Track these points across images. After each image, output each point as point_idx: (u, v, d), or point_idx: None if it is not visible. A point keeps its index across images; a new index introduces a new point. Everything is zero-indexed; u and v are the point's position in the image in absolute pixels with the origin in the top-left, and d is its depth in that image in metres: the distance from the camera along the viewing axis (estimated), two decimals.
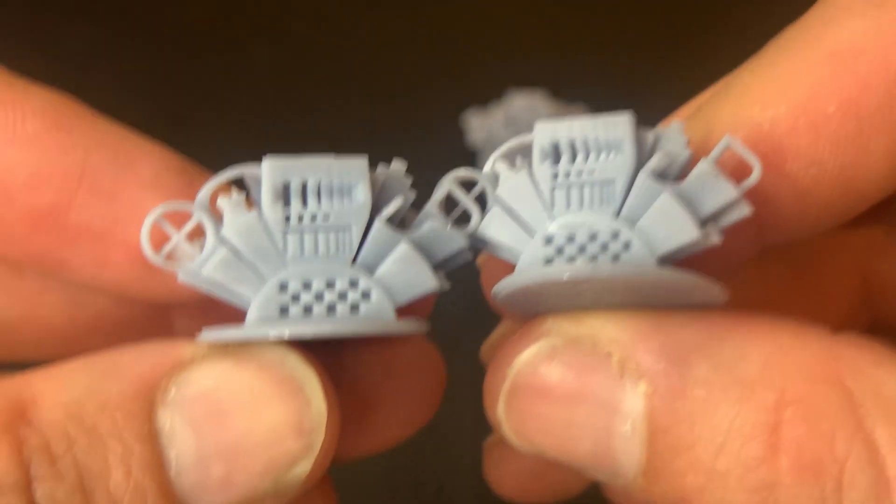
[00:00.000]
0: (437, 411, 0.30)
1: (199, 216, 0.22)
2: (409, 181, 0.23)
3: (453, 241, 0.23)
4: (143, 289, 0.25)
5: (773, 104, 0.23)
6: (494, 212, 0.23)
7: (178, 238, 0.22)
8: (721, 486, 0.21)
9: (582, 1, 0.61)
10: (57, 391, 0.22)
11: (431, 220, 0.23)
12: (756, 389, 0.21)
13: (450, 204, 0.24)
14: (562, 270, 0.21)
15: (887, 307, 0.33)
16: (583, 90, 0.58)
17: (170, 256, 0.22)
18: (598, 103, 0.57)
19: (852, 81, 0.23)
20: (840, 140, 0.23)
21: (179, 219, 0.23)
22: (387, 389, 0.29)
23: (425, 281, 0.22)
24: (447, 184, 0.23)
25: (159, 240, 0.22)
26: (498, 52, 0.58)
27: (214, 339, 0.22)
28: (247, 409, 0.22)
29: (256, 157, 0.23)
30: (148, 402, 0.22)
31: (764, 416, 0.21)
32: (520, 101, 0.57)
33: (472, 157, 0.56)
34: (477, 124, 0.57)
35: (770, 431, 0.21)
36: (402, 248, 0.22)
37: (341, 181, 0.22)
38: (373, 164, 0.23)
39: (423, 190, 0.24)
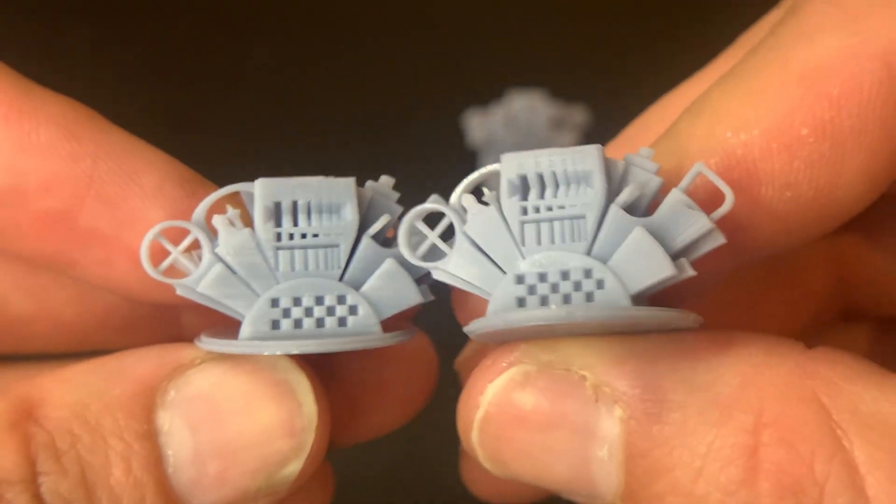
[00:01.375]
0: (430, 403, 0.31)
1: (196, 233, 0.23)
2: (395, 196, 0.24)
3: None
4: (146, 291, 0.26)
5: (746, 127, 0.23)
6: (463, 249, 0.23)
7: (175, 254, 0.23)
8: None
9: (582, 1, 0.60)
10: (63, 392, 0.23)
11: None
12: (733, 412, 0.21)
13: (436, 216, 0.24)
14: (535, 316, 0.21)
15: (864, 297, 0.33)
16: (583, 90, 0.58)
17: (168, 271, 0.23)
18: (599, 103, 0.58)
19: (825, 103, 0.23)
20: (815, 162, 0.23)
21: (179, 233, 0.24)
22: (381, 377, 0.30)
23: (409, 295, 0.23)
24: (411, 218, 0.23)
25: (160, 253, 0.24)
26: (498, 52, 0.57)
27: (211, 350, 0.24)
28: (241, 411, 0.24)
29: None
30: (148, 402, 0.23)
31: (742, 439, 0.21)
32: (520, 101, 0.57)
33: (472, 157, 0.56)
34: (477, 124, 0.57)
35: (749, 454, 0.21)
36: (388, 265, 0.23)
37: (330, 201, 0.23)
38: (362, 179, 0.24)
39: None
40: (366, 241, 0.23)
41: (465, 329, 0.23)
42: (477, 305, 0.25)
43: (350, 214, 0.23)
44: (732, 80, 0.24)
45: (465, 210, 0.23)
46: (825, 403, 0.21)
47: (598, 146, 0.22)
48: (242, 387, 0.24)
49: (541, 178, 0.22)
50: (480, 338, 0.24)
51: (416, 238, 0.24)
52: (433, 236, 0.23)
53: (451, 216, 0.23)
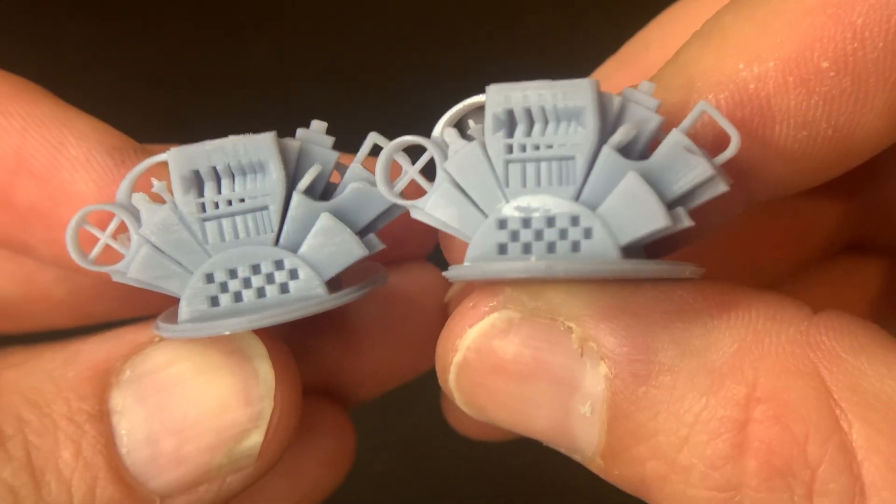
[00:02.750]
0: None
1: (120, 214, 0.22)
2: (329, 141, 0.22)
3: (380, 200, 0.22)
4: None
5: (760, 59, 0.21)
6: (443, 189, 0.21)
7: (104, 239, 0.22)
8: (683, 480, 0.20)
9: (582, 1, 0.57)
10: (18, 379, 0.23)
11: (354, 183, 0.22)
12: (725, 381, 0.20)
13: (429, 168, 0.22)
14: (513, 269, 0.20)
15: (873, 227, 0.31)
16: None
17: (103, 256, 0.22)
18: None
19: (849, 33, 0.20)
20: (834, 98, 0.21)
21: (110, 215, 0.22)
22: (387, 319, 0.29)
23: (352, 249, 0.22)
24: (390, 151, 0.21)
25: (92, 239, 0.22)
26: (497, 52, 0.55)
27: (165, 335, 0.22)
28: (194, 383, 0.23)
29: None
30: (101, 384, 0.23)
31: (732, 412, 0.20)
32: None
33: None
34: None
35: (738, 429, 0.20)
36: (323, 220, 0.22)
37: (251, 160, 0.21)
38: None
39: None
40: (297, 197, 0.22)
41: (445, 274, 0.22)
42: (462, 246, 0.24)
43: (275, 172, 0.21)
44: (746, 5, 0.22)
45: (447, 145, 0.21)
46: (825, 378, 0.20)
47: (593, 80, 0.20)
48: (195, 360, 0.23)
49: (529, 112, 0.20)
50: (460, 281, 0.22)
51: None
52: (413, 171, 0.21)
53: (431, 151, 0.21)
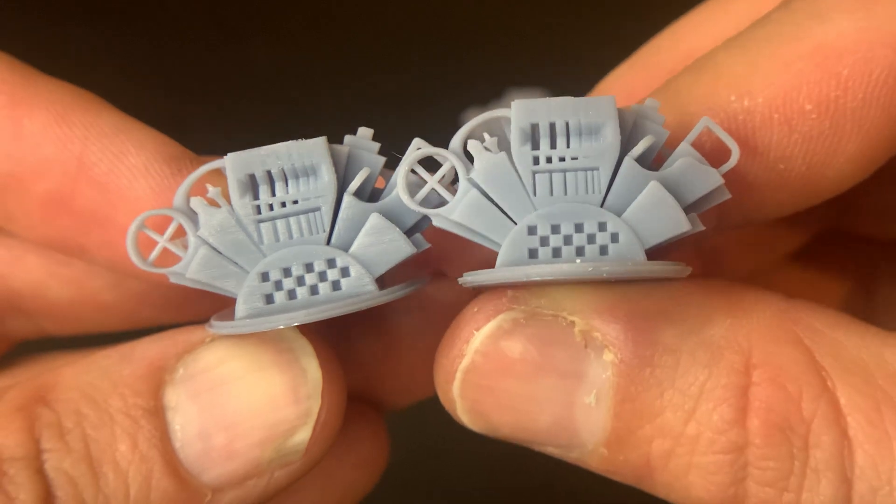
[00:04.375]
0: None
1: (178, 218, 0.23)
2: (375, 147, 0.23)
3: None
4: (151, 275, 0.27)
5: (750, 94, 0.23)
6: (471, 197, 0.22)
7: (163, 243, 0.23)
8: (689, 450, 0.21)
9: (582, 1, 0.59)
10: (75, 375, 0.24)
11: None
12: (724, 353, 0.21)
13: (432, 161, 0.23)
14: (562, 271, 0.21)
15: (847, 217, 0.33)
16: (583, 90, 0.56)
17: (161, 258, 0.23)
18: None
19: (833, 81, 0.22)
20: (813, 138, 0.23)
21: (168, 219, 0.23)
22: (424, 328, 0.30)
23: (400, 247, 0.23)
24: (409, 162, 0.22)
25: (150, 242, 0.23)
26: (498, 52, 0.56)
27: (216, 333, 0.23)
28: (245, 381, 0.24)
29: None
30: (156, 381, 0.24)
31: (734, 379, 0.21)
32: None
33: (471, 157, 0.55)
34: None
35: (740, 394, 0.21)
36: (373, 220, 0.23)
37: (303, 164, 0.22)
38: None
39: None
40: (347, 199, 0.23)
41: (463, 279, 0.23)
42: (454, 249, 0.25)
43: (327, 175, 0.23)
44: (740, 45, 0.24)
45: (467, 156, 0.22)
46: (809, 347, 0.22)
47: (611, 97, 0.22)
48: (246, 359, 0.24)
49: (552, 127, 0.22)
50: (471, 285, 0.23)
51: (413, 185, 0.23)
52: (433, 182, 0.22)
53: (454, 162, 0.22)
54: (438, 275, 0.30)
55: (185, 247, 0.23)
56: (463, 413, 0.24)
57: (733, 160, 0.22)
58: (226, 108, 0.53)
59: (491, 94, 0.57)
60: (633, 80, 0.32)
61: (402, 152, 0.23)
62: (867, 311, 0.33)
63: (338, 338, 0.29)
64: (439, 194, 0.22)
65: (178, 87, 0.53)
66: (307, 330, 0.24)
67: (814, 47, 0.23)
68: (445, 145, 0.23)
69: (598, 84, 0.33)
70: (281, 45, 0.57)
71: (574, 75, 0.57)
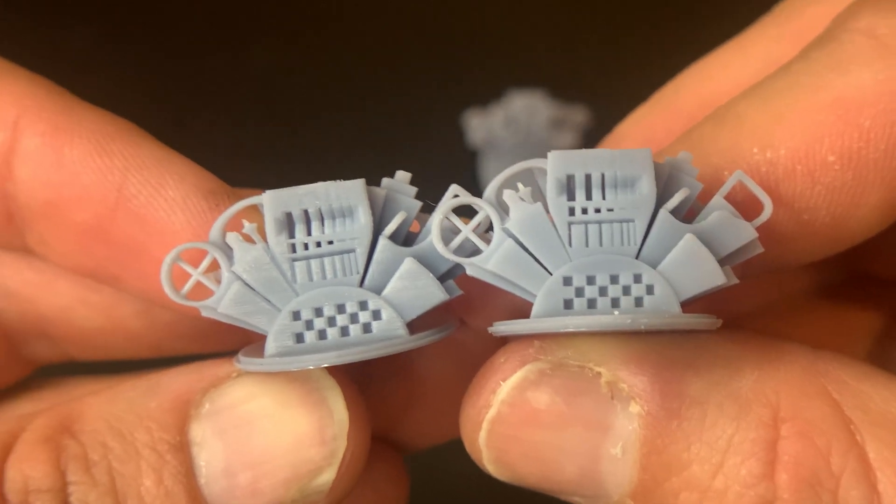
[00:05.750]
0: None
1: (213, 252, 0.23)
2: (412, 191, 0.23)
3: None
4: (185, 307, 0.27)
5: (773, 146, 0.23)
6: (506, 247, 0.22)
7: (196, 276, 0.23)
8: None
9: (582, 2, 0.59)
10: (101, 406, 0.24)
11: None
12: (752, 406, 0.21)
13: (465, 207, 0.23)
14: (600, 322, 0.21)
15: (870, 258, 0.33)
16: (583, 90, 0.56)
17: (194, 292, 0.23)
18: (598, 103, 0.57)
19: (856, 133, 0.22)
20: (836, 189, 0.23)
21: (203, 253, 0.24)
22: (448, 372, 0.30)
23: (433, 293, 0.23)
24: (443, 211, 0.23)
25: (187, 274, 0.23)
26: (498, 52, 0.57)
27: (244, 369, 0.23)
28: (271, 421, 0.24)
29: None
30: (182, 415, 0.24)
31: (762, 433, 0.21)
32: (520, 101, 0.56)
33: (472, 157, 0.55)
34: (477, 124, 0.56)
35: (769, 447, 0.21)
36: (408, 264, 0.23)
37: (341, 205, 0.23)
38: (376, 178, 0.24)
39: (424, 189, 0.24)
40: (382, 242, 0.23)
41: (495, 328, 0.23)
42: (476, 298, 0.25)
43: (363, 217, 0.23)
44: (761, 97, 0.24)
45: (502, 208, 0.23)
46: (837, 400, 0.21)
47: (648, 150, 0.22)
48: (273, 397, 0.24)
49: (588, 178, 0.22)
50: (501, 334, 0.23)
51: (447, 232, 0.23)
52: (467, 231, 0.23)
53: (488, 211, 0.22)
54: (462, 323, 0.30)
55: (219, 281, 0.23)
56: (489, 463, 0.24)
57: (766, 214, 0.22)
58: (226, 108, 0.53)
59: (491, 94, 0.58)
60: (653, 123, 0.32)
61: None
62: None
63: (362, 378, 0.29)
64: (473, 242, 0.22)
65: (178, 87, 0.53)
66: (334, 370, 0.24)
67: (834, 99, 0.23)
68: (448, 142, 0.23)
69: (618, 126, 0.33)
70: (281, 47, 0.57)
71: (574, 75, 0.58)
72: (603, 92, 0.55)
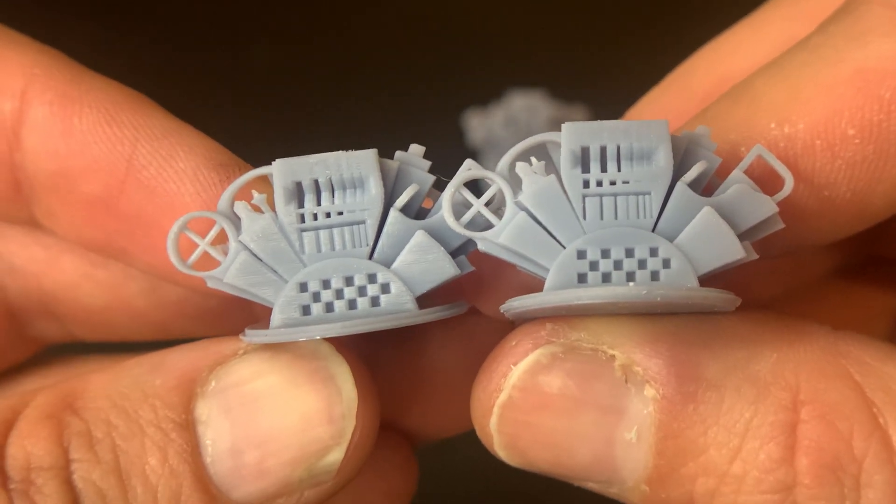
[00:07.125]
0: None
1: (221, 222, 0.23)
2: (426, 165, 0.23)
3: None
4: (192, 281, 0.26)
5: (791, 121, 0.22)
6: (519, 220, 0.21)
7: (203, 246, 0.23)
8: (735, 490, 0.21)
9: (582, 1, 0.59)
10: (105, 383, 0.23)
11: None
12: (771, 389, 0.21)
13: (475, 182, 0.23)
14: (615, 293, 0.20)
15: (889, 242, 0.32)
16: (583, 90, 0.56)
17: (201, 262, 0.23)
18: (599, 103, 0.56)
19: (876, 105, 0.22)
20: (857, 164, 0.22)
21: (211, 223, 0.23)
22: (464, 362, 0.29)
23: (444, 268, 0.22)
24: (456, 185, 0.22)
25: (191, 246, 0.23)
26: (498, 52, 0.57)
27: (251, 342, 0.23)
28: (279, 398, 0.23)
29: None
30: (188, 393, 0.23)
31: (782, 416, 0.20)
32: (520, 101, 0.56)
33: (472, 157, 0.55)
34: (477, 124, 0.56)
35: (789, 431, 0.20)
36: (418, 237, 0.22)
37: (352, 175, 0.22)
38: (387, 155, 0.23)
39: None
40: (393, 214, 0.22)
41: (507, 306, 0.22)
42: (486, 280, 0.24)
43: (374, 188, 0.22)
44: (778, 71, 0.23)
45: (515, 182, 0.22)
46: (859, 382, 0.21)
47: (665, 121, 0.21)
48: (280, 375, 0.23)
49: (603, 150, 0.21)
50: (515, 314, 0.22)
51: (459, 206, 0.22)
52: (479, 205, 0.22)
53: (500, 185, 0.22)
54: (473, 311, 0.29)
55: (226, 253, 0.23)
56: (500, 448, 0.23)
57: (787, 189, 0.21)
58: (226, 108, 0.53)
59: (491, 94, 0.57)
60: (668, 103, 0.32)
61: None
62: None
63: (373, 363, 0.28)
64: (485, 217, 0.22)
65: (178, 86, 0.54)
66: (343, 349, 0.23)
67: (854, 71, 0.22)
68: (448, 142, 0.23)
69: (632, 107, 0.33)
70: (281, 46, 0.57)
71: (574, 75, 0.58)
72: (603, 92, 0.55)
